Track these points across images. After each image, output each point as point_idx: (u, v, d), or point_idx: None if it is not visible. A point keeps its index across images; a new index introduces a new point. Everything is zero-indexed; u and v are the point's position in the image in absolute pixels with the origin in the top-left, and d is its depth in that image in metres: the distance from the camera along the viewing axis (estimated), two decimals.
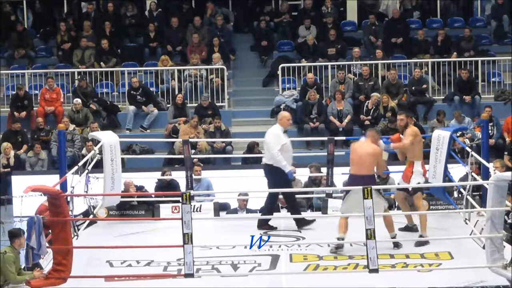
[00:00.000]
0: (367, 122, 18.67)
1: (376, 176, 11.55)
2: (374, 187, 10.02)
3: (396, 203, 13.23)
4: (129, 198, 13.48)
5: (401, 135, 11.99)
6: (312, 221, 12.25)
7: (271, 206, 12.43)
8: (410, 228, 11.93)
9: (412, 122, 12.15)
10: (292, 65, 20.35)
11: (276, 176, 12.05)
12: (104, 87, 20.30)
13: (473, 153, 12.13)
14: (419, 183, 11.53)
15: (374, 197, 9.82)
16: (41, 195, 10.14)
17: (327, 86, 20.06)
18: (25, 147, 18.31)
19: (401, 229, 11.85)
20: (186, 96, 19.65)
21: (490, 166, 11.51)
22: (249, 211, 14.02)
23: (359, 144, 11.43)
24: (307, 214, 13.89)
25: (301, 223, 12.23)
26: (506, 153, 17.63)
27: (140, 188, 14.31)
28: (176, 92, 19.72)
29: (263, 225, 12.20)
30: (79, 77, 19.85)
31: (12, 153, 17.84)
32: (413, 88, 19.59)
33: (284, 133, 12.26)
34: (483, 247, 9.93)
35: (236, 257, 10.57)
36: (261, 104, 20.13)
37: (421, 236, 11.50)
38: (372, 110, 18.93)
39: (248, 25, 22.64)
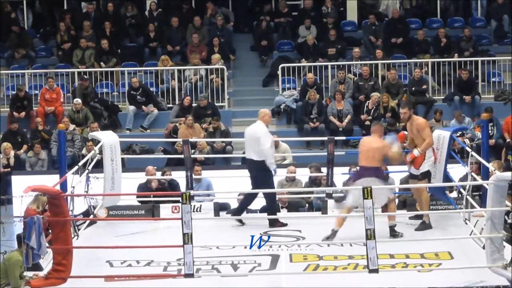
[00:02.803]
0: (367, 122, 18.67)
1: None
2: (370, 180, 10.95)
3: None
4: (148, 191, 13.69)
5: (405, 132, 12.33)
6: (285, 224, 12.38)
7: (273, 203, 12.57)
8: (419, 216, 12.16)
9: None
10: (292, 65, 20.34)
11: (266, 173, 12.25)
12: (104, 87, 20.30)
13: (473, 153, 12.13)
14: (429, 170, 11.93)
15: (378, 190, 10.60)
16: (41, 195, 10.12)
17: (327, 86, 20.06)
18: (25, 147, 18.31)
19: (411, 218, 12.31)
20: (185, 96, 19.62)
21: (490, 166, 11.51)
22: (249, 211, 14.02)
23: (368, 140, 11.97)
24: (307, 214, 13.95)
25: (273, 223, 12.33)
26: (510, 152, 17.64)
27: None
28: (176, 92, 19.71)
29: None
30: (83, 76, 19.84)
31: (12, 153, 17.84)
32: (413, 88, 19.57)
33: None
34: (483, 247, 9.93)
35: (236, 257, 10.56)
36: (261, 104, 20.00)
37: (423, 222, 11.80)
38: (372, 110, 18.92)
39: (248, 25, 22.64)
